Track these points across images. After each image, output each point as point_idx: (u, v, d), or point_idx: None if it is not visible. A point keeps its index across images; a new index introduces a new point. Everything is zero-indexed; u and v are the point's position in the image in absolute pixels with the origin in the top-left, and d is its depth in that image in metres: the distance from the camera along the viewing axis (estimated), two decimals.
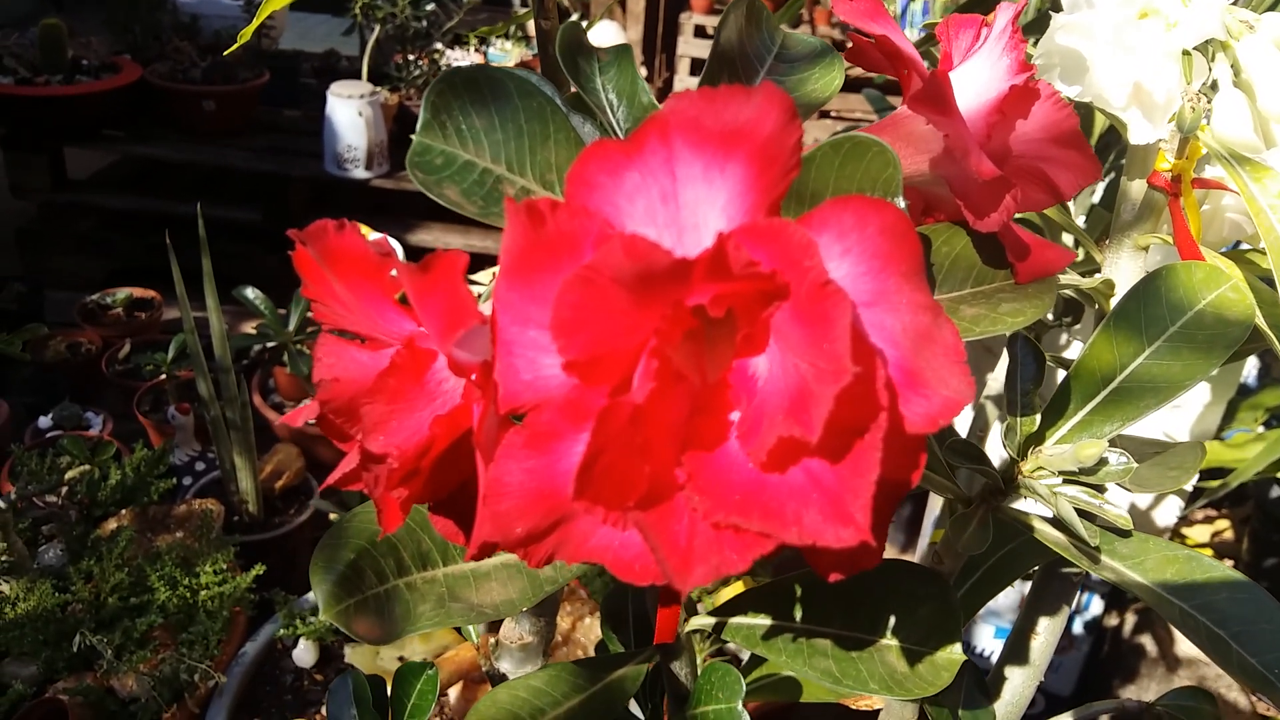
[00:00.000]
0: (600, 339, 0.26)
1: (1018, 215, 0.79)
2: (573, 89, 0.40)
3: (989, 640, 1.78)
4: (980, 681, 0.66)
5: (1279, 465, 1.71)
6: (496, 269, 0.36)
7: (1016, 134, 0.39)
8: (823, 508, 0.26)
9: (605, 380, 0.27)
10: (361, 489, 0.32)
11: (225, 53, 0.70)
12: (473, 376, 0.29)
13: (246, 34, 0.73)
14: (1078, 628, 1.78)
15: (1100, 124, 0.87)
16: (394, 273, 0.30)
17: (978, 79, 0.39)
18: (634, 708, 0.68)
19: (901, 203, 0.34)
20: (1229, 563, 1.95)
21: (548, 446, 0.27)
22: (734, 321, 0.29)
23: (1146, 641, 1.82)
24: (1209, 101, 0.59)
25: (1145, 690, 1.75)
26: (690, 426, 0.28)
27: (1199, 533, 2.01)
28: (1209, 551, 1.97)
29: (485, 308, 0.29)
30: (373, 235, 2.02)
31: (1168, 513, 1.73)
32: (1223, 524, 2.05)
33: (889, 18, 0.39)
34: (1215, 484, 1.75)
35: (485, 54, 3.68)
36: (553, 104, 0.38)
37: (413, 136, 0.36)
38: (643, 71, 4.26)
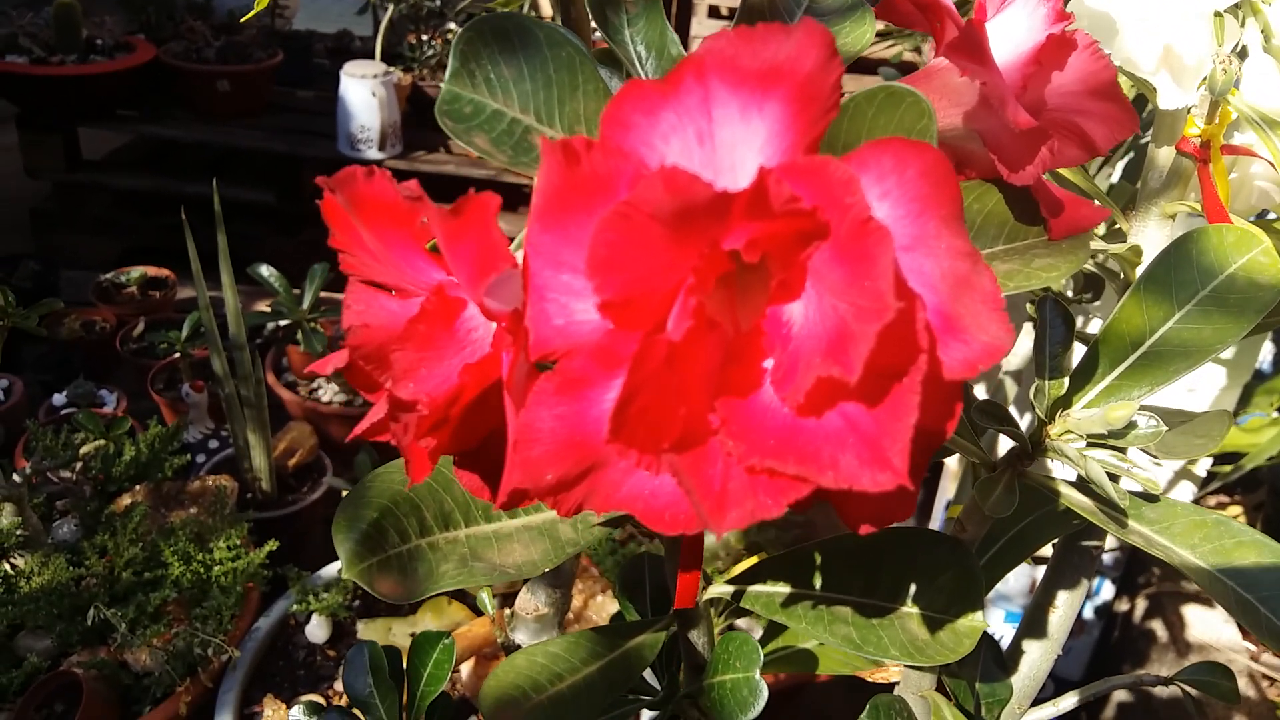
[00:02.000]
0: (637, 279, 0.26)
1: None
2: (598, 43, 0.40)
3: (999, 624, 1.78)
4: (998, 655, 0.65)
5: None
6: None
7: (1052, 86, 0.38)
8: (859, 451, 0.26)
9: (640, 324, 0.27)
10: (389, 439, 0.31)
11: (242, 19, 0.69)
12: (503, 323, 0.29)
13: (262, 2, 0.73)
14: (1088, 613, 1.77)
15: (1125, 92, 0.86)
16: (424, 219, 0.29)
17: (1014, 29, 0.38)
18: (650, 678, 0.68)
19: None
20: None
21: (580, 393, 0.27)
22: (767, 268, 0.28)
23: (1157, 627, 1.81)
24: (1239, 67, 0.58)
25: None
26: (723, 374, 0.28)
27: None
28: None
29: (517, 255, 0.29)
30: None
31: (1181, 497, 1.72)
32: (1235, 509, 2.04)
33: None
34: (1229, 469, 1.74)
35: None
36: (581, 54, 0.37)
37: (441, 84, 0.36)
38: None
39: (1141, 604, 1.85)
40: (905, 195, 0.27)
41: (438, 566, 0.40)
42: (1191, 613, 1.74)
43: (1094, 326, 1.19)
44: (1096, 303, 0.92)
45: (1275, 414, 1.84)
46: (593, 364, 0.27)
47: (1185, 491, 1.74)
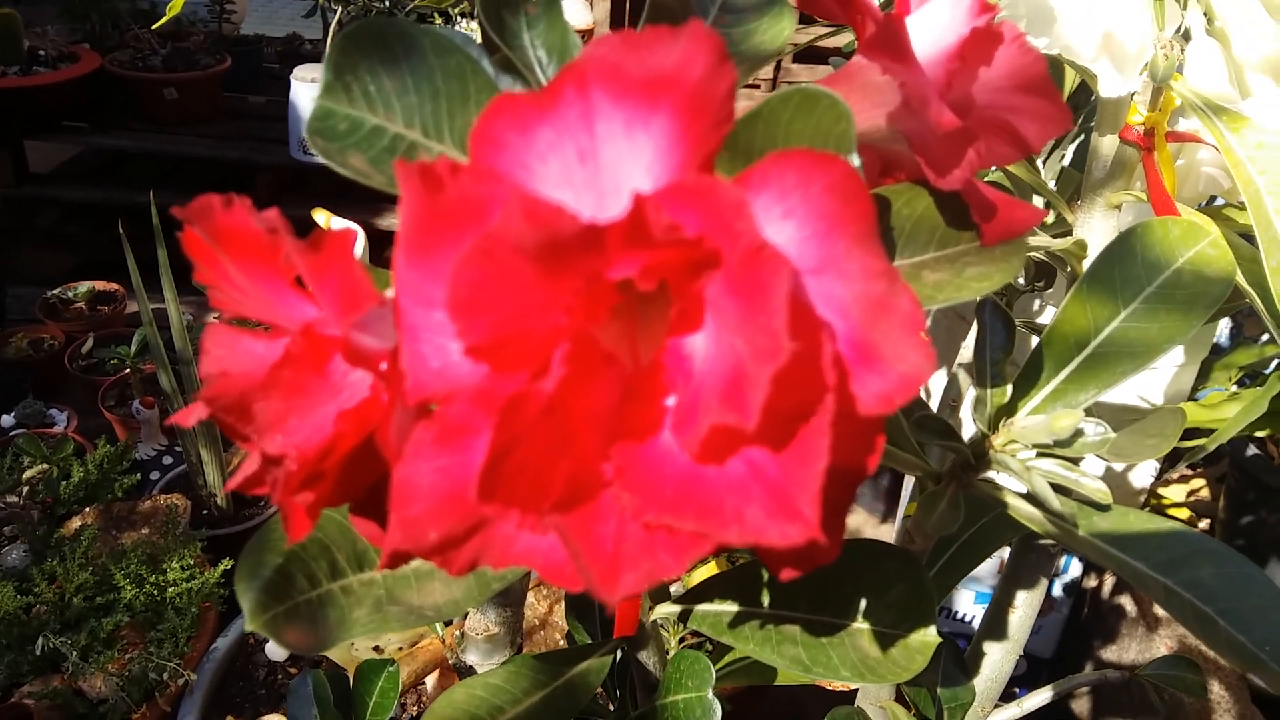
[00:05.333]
0: (506, 320, 0.23)
1: (988, 174, 0.76)
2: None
3: (969, 605, 1.78)
4: (958, 658, 0.64)
5: (1253, 424, 1.71)
6: None
7: (979, 82, 0.36)
8: (765, 502, 0.23)
9: (519, 366, 0.24)
10: (266, 493, 0.29)
11: (155, 26, 0.66)
12: (382, 365, 0.26)
13: (176, 6, 0.69)
14: (1057, 590, 1.77)
15: (1070, 81, 0.85)
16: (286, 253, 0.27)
17: (936, 23, 0.36)
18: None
19: (856, 160, 0.32)
20: (1206, 522, 1.95)
21: (461, 442, 0.24)
22: (668, 295, 0.26)
23: (1126, 603, 1.81)
24: (1181, 51, 0.57)
25: (1126, 651, 1.75)
26: (620, 414, 0.25)
27: (1175, 492, 2.01)
28: (1186, 512, 1.98)
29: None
30: (335, 221, 1.97)
31: (1143, 474, 1.73)
32: (1198, 483, 2.05)
33: None
34: (1190, 445, 1.74)
35: None
36: (474, 63, 0.34)
37: (313, 100, 0.33)
38: None
39: (1109, 580, 1.86)
40: (811, 213, 0.25)
41: (350, 613, 0.37)
42: None
43: (1047, 315, 1.18)
44: (1049, 290, 0.90)
45: (1234, 388, 1.84)
46: (474, 410, 0.24)
47: (1148, 468, 1.74)
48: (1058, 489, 0.44)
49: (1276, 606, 0.38)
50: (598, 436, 0.25)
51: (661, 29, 0.24)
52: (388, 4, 3.08)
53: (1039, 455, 0.45)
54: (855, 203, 0.24)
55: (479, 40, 0.38)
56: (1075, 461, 0.45)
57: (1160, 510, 2.00)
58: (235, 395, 0.27)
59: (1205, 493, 2.05)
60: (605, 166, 0.25)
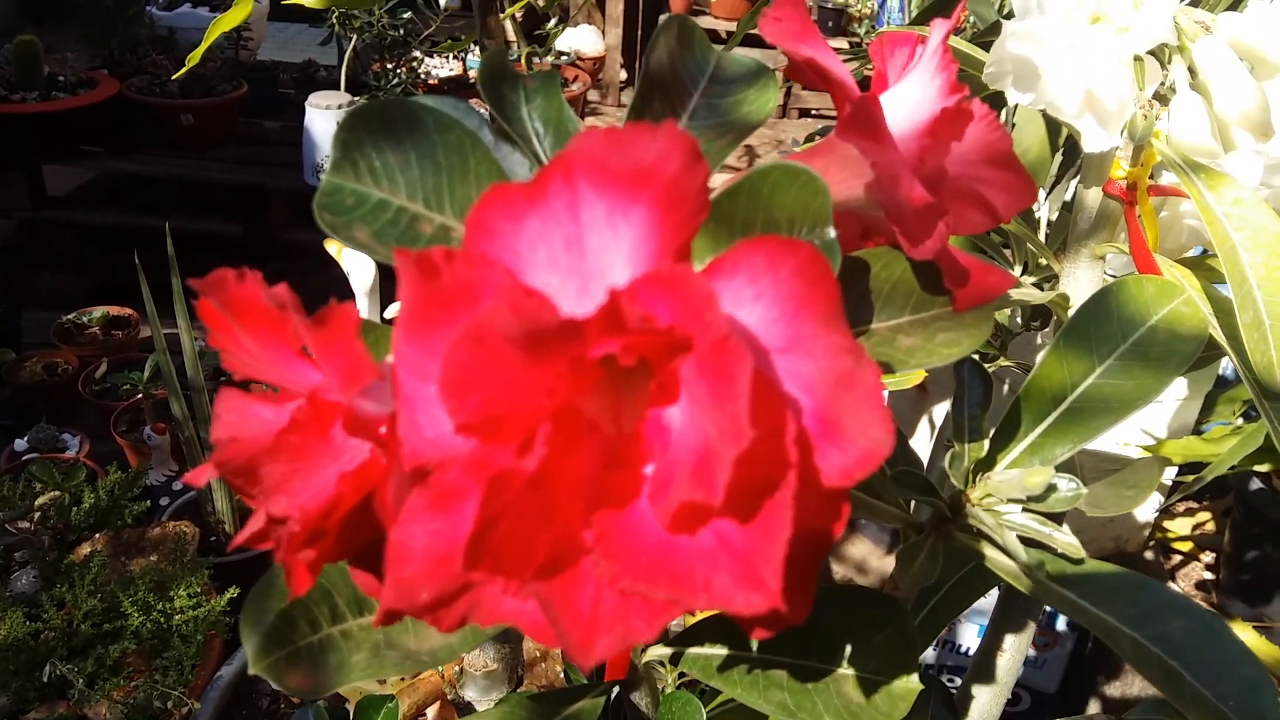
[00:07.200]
0: (494, 399, 0.25)
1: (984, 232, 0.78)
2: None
3: (973, 638, 1.78)
4: (947, 700, 0.65)
5: (1255, 458, 1.71)
6: None
7: (951, 156, 0.38)
8: (732, 571, 0.25)
9: (507, 439, 0.26)
10: (270, 549, 0.30)
11: (175, 76, 0.69)
12: (381, 430, 0.28)
13: (195, 57, 0.72)
14: (1061, 625, 1.78)
15: (1065, 132, 0.87)
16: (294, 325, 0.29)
17: (910, 100, 0.38)
18: None
19: (831, 232, 0.33)
20: (1211, 555, 1.95)
21: (452, 507, 0.26)
22: (649, 368, 0.28)
23: None
24: (1165, 105, 0.59)
25: (1130, 686, 1.75)
26: (602, 481, 0.27)
27: (1181, 525, 2.01)
28: (1189, 545, 1.98)
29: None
30: (347, 252, 1.98)
31: (1147, 508, 1.73)
32: (1204, 516, 2.05)
33: (818, 38, 0.38)
34: (1191, 479, 1.75)
35: (465, 62, 3.67)
36: (473, 137, 0.36)
37: (321, 176, 0.35)
38: (623, 75, 4.24)
39: None
40: (779, 295, 0.26)
41: (349, 657, 0.39)
42: None
43: None
44: (1046, 329, 0.92)
45: (1239, 421, 1.85)
46: (465, 477, 0.26)
47: (1151, 500, 1.74)
48: (1035, 543, 0.45)
49: (1241, 661, 0.39)
50: (580, 504, 0.26)
51: (642, 125, 0.26)
52: (402, 33, 3.13)
53: (1023, 510, 0.46)
54: (820, 285, 0.26)
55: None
56: (1054, 517, 0.46)
57: (1166, 544, 2.00)
58: (244, 459, 0.29)
59: (1210, 526, 2.05)
60: (589, 253, 0.27)
